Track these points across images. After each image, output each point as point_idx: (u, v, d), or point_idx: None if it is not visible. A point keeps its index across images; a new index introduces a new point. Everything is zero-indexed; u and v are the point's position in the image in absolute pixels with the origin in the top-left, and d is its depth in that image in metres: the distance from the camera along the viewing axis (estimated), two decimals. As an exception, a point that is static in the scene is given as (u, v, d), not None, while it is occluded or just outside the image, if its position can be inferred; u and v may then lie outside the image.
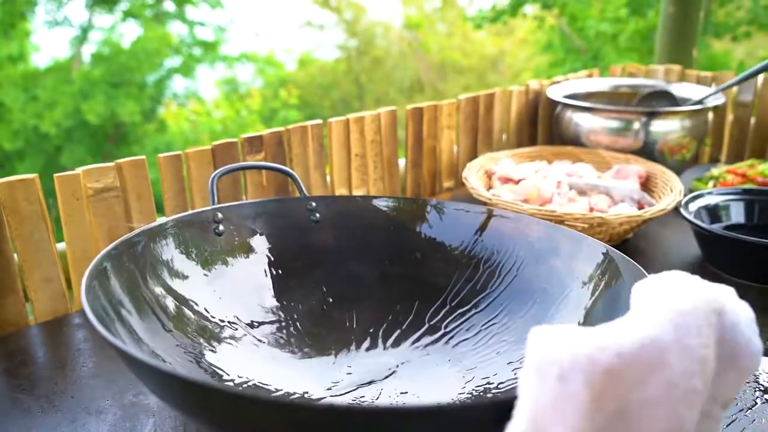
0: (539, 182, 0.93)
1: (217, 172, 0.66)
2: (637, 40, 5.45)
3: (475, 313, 0.62)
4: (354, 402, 0.53)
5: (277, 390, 0.53)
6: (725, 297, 0.38)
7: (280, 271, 0.66)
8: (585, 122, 1.11)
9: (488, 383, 0.54)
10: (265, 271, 0.65)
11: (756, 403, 0.56)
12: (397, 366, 0.58)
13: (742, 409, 0.55)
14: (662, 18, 3.53)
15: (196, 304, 0.58)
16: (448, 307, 0.63)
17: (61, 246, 0.72)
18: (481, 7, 6.07)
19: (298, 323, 0.62)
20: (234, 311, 0.61)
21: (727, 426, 0.53)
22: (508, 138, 1.24)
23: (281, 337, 0.61)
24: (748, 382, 0.58)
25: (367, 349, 0.60)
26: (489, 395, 0.52)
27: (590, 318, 0.54)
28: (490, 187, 1.00)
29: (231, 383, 0.52)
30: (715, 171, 1.07)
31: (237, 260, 0.64)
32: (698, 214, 0.87)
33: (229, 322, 0.59)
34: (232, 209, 0.65)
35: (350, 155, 0.98)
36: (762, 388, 0.58)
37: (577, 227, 0.80)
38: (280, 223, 0.67)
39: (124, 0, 6.96)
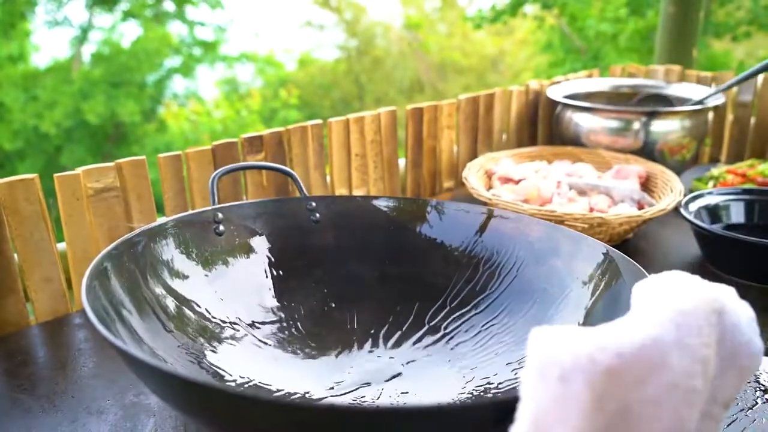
0: (539, 182, 0.93)
1: (217, 172, 0.66)
2: (637, 40, 5.45)
3: (475, 313, 0.62)
4: (355, 402, 0.53)
5: (278, 390, 0.53)
6: (726, 297, 0.38)
7: (280, 272, 0.66)
8: (585, 122, 1.11)
9: (488, 383, 0.54)
10: (266, 271, 0.65)
11: (756, 403, 0.56)
12: (398, 366, 0.58)
13: (742, 409, 0.55)
14: (662, 18, 3.53)
15: (197, 305, 0.58)
16: (448, 308, 0.63)
17: (61, 246, 0.72)
18: (480, 7, 6.06)
19: (298, 323, 0.63)
20: (235, 311, 0.61)
21: (727, 426, 0.53)
22: (508, 138, 1.24)
23: (282, 338, 0.61)
24: (748, 382, 0.58)
25: (368, 350, 0.60)
26: (489, 395, 0.52)
27: (590, 318, 0.54)
28: (490, 187, 1.00)
29: (232, 383, 0.53)
30: (715, 171, 1.07)
31: (237, 260, 0.64)
32: (698, 214, 0.87)
33: (230, 322, 0.59)
34: (232, 209, 0.65)
35: (350, 155, 0.98)
36: (762, 388, 0.58)
37: (577, 227, 0.80)
38: (281, 223, 0.67)
39: (124, 0, 6.95)
